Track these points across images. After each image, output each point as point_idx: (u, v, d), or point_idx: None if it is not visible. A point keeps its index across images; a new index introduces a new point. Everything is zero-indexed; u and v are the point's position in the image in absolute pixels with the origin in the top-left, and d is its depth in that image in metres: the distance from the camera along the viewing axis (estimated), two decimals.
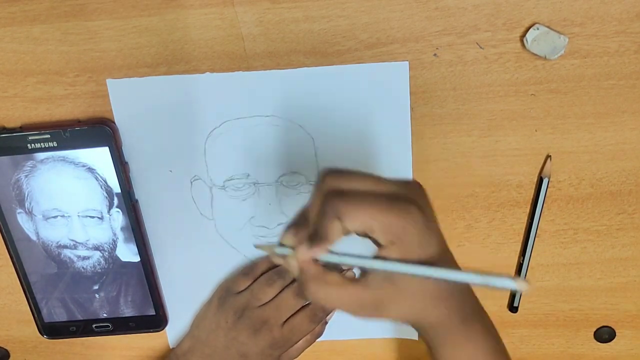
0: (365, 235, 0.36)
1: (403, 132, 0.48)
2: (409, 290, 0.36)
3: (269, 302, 0.52)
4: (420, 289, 0.37)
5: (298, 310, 0.53)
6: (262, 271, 0.54)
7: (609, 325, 0.56)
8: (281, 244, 0.37)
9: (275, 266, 0.54)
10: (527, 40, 0.44)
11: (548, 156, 0.49)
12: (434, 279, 0.35)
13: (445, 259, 0.37)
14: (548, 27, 0.44)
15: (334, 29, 0.46)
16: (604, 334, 0.56)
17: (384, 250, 0.35)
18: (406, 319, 0.39)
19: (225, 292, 0.54)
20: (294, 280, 0.53)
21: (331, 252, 0.35)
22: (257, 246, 0.41)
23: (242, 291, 0.53)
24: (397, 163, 0.49)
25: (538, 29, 0.44)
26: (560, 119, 0.48)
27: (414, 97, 0.47)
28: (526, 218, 0.52)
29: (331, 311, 0.54)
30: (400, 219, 0.35)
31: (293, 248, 0.36)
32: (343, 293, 0.36)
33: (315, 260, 0.36)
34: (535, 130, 0.48)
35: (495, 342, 0.42)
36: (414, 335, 0.56)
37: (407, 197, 0.36)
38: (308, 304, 0.53)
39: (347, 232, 0.36)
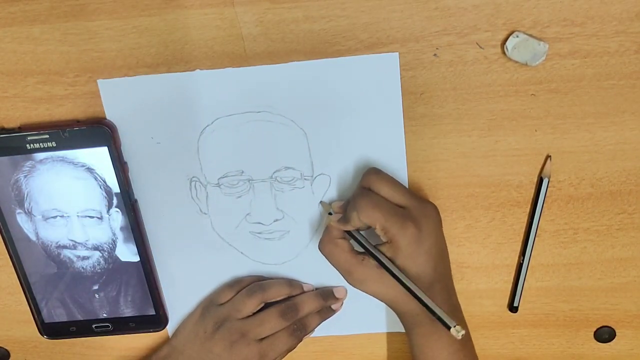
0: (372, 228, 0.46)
1: (395, 123, 0.48)
2: (389, 280, 0.45)
3: (251, 316, 0.52)
4: (397, 283, 0.45)
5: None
6: (247, 284, 0.54)
7: (609, 325, 0.56)
8: (330, 212, 0.50)
9: (260, 279, 0.54)
10: (507, 48, 0.45)
11: (548, 156, 0.49)
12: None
13: (433, 279, 0.46)
14: (528, 34, 0.44)
15: (334, 29, 0.46)
16: (604, 334, 0.56)
17: (382, 245, 0.46)
18: (381, 298, 0.48)
19: (209, 303, 0.54)
20: (280, 301, 0.53)
21: (352, 232, 0.47)
22: (321, 202, 0.51)
23: (224, 303, 0.53)
24: (390, 154, 0.49)
25: (517, 36, 0.44)
26: (560, 119, 0.48)
27: (414, 97, 0.47)
28: (526, 218, 0.52)
29: (311, 331, 0.54)
30: (395, 227, 0.44)
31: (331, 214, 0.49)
32: (341, 257, 0.47)
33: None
34: (535, 130, 0.48)
35: (461, 346, 0.48)
36: None
37: (411, 214, 0.45)
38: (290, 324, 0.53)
39: (363, 223, 0.45)
